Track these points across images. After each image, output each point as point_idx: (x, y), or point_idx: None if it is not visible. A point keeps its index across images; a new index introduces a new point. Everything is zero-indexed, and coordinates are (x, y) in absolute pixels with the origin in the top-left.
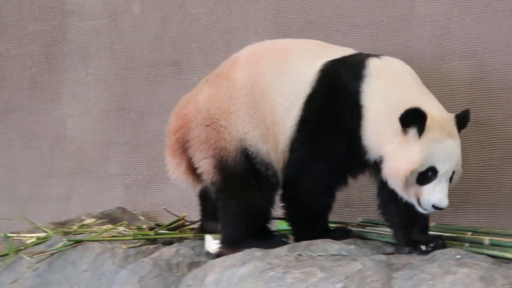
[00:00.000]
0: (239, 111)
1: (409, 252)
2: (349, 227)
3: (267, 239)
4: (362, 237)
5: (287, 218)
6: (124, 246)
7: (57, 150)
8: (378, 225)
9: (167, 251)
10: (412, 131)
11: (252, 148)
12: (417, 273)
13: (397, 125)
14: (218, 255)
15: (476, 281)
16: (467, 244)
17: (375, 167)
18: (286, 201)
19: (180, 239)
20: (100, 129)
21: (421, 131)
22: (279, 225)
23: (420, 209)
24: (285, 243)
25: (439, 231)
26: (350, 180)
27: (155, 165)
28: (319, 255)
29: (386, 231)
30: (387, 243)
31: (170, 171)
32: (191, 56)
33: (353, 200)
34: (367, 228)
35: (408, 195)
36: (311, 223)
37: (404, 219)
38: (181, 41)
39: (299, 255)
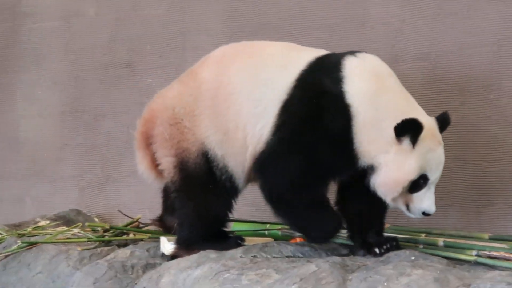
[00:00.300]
0: (203, 114)
1: (364, 254)
2: None
3: (222, 241)
4: None
5: (290, 226)
6: (79, 248)
7: (11, 152)
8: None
9: (122, 253)
10: (406, 141)
11: (211, 152)
12: (371, 275)
13: (391, 133)
14: (173, 256)
15: (430, 283)
16: (421, 246)
17: (363, 173)
18: (282, 209)
19: (135, 241)
20: (54, 131)
21: (415, 141)
22: (234, 226)
23: (409, 215)
24: (240, 245)
25: (394, 233)
26: None
27: (109, 167)
28: (274, 257)
29: (341, 232)
30: (342, 244)
31: (138, 165)
32: (145, 58)
33: None
34: None
35: (395, 203)
36: (312, 219)
37: (361, 221)
38: (135, 43)
39: (254, 256)
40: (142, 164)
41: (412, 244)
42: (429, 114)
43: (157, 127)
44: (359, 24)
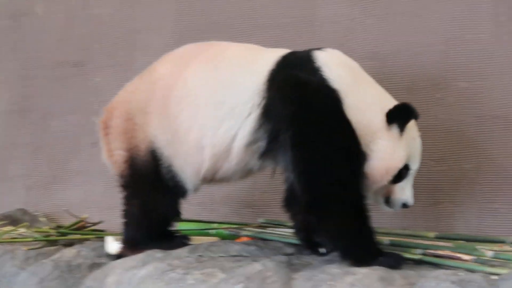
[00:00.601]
0: (153, 112)
1: (309, 253)
2: (250, 228)
3: (168, 241)
4: (262, 238)
5: (331, 239)
6: (25, 248)
7: None
8: (279, 226)
9: (68, 253)
10: (395, 128)
11: (158, 151)
12: (316, 274)
13: (379, 119)
14: (119, 256)
15: (375, 282)
16: None
17: None
18: (320, 219)
19: (81, 241)
20: (1, 130)
21: (403, 128)
22: (180, 225)
23: (386, 208)
24: (185, 244)
25: None
26: (251, 181)
27: (56, 167)
28: (219, 256)
29: (287, 232)
30: (288, 243)
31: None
32: (94, 57)
33: (255, 201)
34: (268, 229)
35: (376, 195)
36: (356, 229)
37: (307, 220)
38: (84, 42)
39: (200, 256)
40: (102, 153)
41: None
42: None
43: (114, 119)
44: (308, 23)
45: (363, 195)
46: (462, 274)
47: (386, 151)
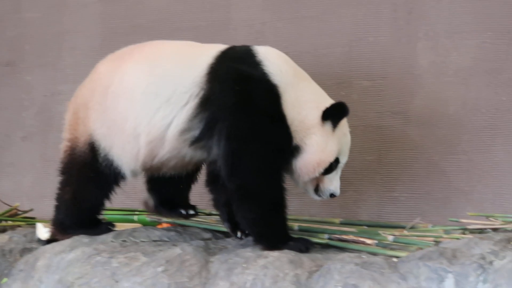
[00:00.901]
0: (93, 108)
1: (224, 238)
2: None
3: (94, 227)
4: (181, 224)
5: (248, 224)
6: None
7: None
8: (197, 214)
9: (1, 238)
10: (328, 124)
11: (96, 143)
12: (232, 257)
13: (314, 115)
14: (49, 241)
15: (285, 264)
16: None
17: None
18: (241, 202)
19: (13, 227)
20: None
21: (336, 125)
22: (105, 213)
23: (315, 197)
24: (110, 230)
25: None
26: None
27: None
28: (142, 241)
29: (204, 218)
30: (205, 229)
31: None
32: (25, 57)
33: None
34: None
35: (306, 185)
36: (271, 217)
37: (229, 204)
38: (16, 43)
39: (124, 241)
40: None
41: None
42: None
43: (67, 113)
44: (223, 26)
45: (284, 187)
46: (365, 257)
47: (319, 145)
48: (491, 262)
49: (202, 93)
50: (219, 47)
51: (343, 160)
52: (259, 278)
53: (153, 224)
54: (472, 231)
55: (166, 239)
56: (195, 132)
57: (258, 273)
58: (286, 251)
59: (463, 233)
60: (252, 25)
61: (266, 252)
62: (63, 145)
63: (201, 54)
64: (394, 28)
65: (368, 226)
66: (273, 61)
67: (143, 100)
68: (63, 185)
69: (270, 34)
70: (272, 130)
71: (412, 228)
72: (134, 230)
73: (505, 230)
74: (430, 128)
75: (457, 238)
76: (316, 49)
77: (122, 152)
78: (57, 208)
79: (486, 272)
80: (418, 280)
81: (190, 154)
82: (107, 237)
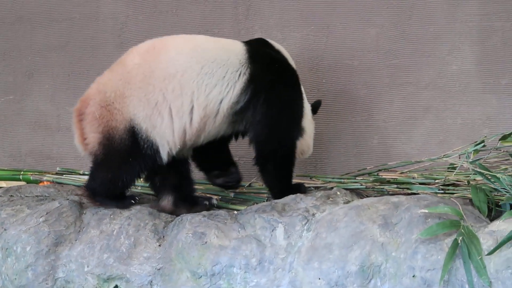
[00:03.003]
0: (132, 95)
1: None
2: (50, 175)
3: (121, 200)
4: (59, 182)
5: (276, 180)
6: None
7: None
8: (73, 173)
9: None
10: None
11: (138, 127)
12: (101, 209)
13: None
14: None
15: (146, 215)
16: (139, 188)
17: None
18: (269, 165)
19: None
20: None
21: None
22: None
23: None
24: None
25: None
26: (51, 137)
27: None
28: (26, 196)
29: (79, 178)
30: (78, 186)
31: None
32: None
33: (53, 154)
34: (64, 175)
35: None
36: (290, 177)
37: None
38: None
39: (11, 196)
40: (75, 138)
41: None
42: None
43: (89, 107)
44: (93, 18)
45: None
46: (212, 211)
47: (312, 132)
48: (313, 214)
49: (248, 71)
50: (236, 41)
51: None
52: (124, 227)
53: (36, 182)
54: None
55: (47, 195)
56: (241, 104)
57: (123, 223)
58: (146, 205)
59: None
60: (118, 17)
61: (129, 206)
62: (93, 138)
63: (230, 43)
64: (235, 22)
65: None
66: (284, 51)
67: (200, 80)
68: (101, 167)
69: (133, 25)
70: (299, 104)
71: (249, 186)
72: (19, 187)
73: (325, 189)
74: None
75: None
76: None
77: (166, 131)
78: (93, 178)
79: (309, 223)
80: (254, 229)
81: (226, 128)
82: None
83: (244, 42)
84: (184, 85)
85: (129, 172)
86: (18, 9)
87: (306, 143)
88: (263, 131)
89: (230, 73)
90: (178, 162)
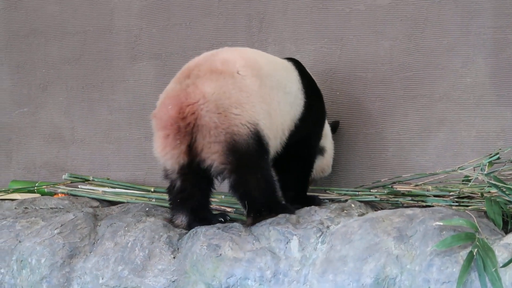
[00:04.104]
0: (251, 102)
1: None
2: (63, 186)
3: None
4: (74, 194)
5: (300, 190)
6: None
7: None
8: (84, 181)
9: None
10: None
11: (261, 132)
12: (115, 222)
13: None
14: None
15: (160, 227)
16: (153, 200)
17: None
18: (299, 175)
19: None
20: None
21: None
22: (11, 184)
23: None
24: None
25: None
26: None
27: None
28: (41, 208)
29: (93, 189)
30: (93, 199)
31: (159, 151)
32: None
33: (67, 166)
34: (79, 187)
35: None
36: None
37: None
38: None
39: (26, 208)
40: (175, 149)
41: (146, 198)
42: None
43: (202, 118)
44: (107, 31)
45: None
46: (226, 223)
47: (333, 150)
48: (328, 227)
49: (304, 90)
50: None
51: None
52: (139, 239)
53: (50, 194)
54: None
55: (61, 207)
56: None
57: (137, 235)
58: (160, 217)
59: None
60: (131, 30)
61: (144, 218)
62: (214, 148)
63: (283, 62)
64: (249, 35)
65: (226, 195)
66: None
67: (284, 99)
68: (244, 179)
69: (146, 38)
70: (324, 122)
71: None
72: (34, 199)
73: (340, 201)
74: None
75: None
76: (184, 51)
77: (274, 142)
78: (249, 197)
79: (324, 235)
80: (269, 241)
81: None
82: (11, 204)
83: (293, 60)
84: (279, 101)
85: (269, 169)
86: (32, 22)
87: (327, 162)
88: (310, 140)
89: (296, 91)
90: (206, 182)
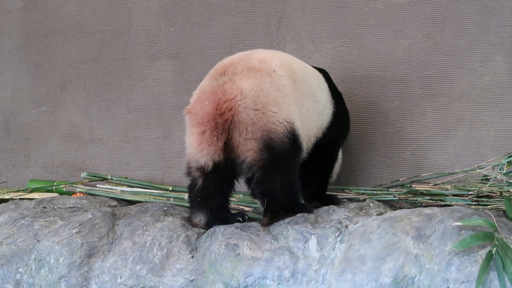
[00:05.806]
0: (287, 102)
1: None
2: (81, 185)
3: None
4: (92, 194)
5: (320, 189)
6: None
7: None
8: (102, 180)
9: None
10: None
11: (296, 131)
12: (134, 221)
13: None
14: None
15: (178, 227)
16: (171, 199)
17: None
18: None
19: None
20: None
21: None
22: (29, 184)
23: None
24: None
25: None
26: (82, 149)
27: None
28: (59, 207)
29: (110, 188)
30: (111, 198)
31: (194, 147)
32: None
33: (86, 165)
34: (97, 186)
35: None
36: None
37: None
38: None
39: (44, 207)
40: (212, 145)
41: (164, 197)
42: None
43: (240, 114)
44: (125, 30)
45: None
46: (244, 222)
47: (341, 160)
48: (346, 226)
49: (333, 101)
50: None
51: None
52: (157, 239)
53: (69, 194)
54: None
55: (80, 206)
56: (327, 126)
57: (156, 234)
58: (178, 216)
59: None
60: (150, 29)
61: (162, 217)
62: (250, 145)
63: (314, 70)
64: (267, 33)
65: (244, 195)
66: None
67: (314, 104)
68: (271, 177)
69: (165, 37)
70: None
71: None
72: (52, 198)
73: (358, 200)
74: None
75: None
76: (202, 50)
77: (305, 145)
78: (271, 196)
79: (342, 234)
80: (287, 240)
81: None
82: (30, 204)
83: (320, 70)
84: (312, 104)
85: (297, 172)
86: (51, 21)
87: (335, 169)
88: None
89: (325, 100)
90: (227, 183)
